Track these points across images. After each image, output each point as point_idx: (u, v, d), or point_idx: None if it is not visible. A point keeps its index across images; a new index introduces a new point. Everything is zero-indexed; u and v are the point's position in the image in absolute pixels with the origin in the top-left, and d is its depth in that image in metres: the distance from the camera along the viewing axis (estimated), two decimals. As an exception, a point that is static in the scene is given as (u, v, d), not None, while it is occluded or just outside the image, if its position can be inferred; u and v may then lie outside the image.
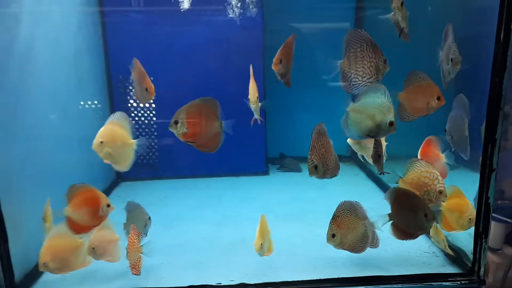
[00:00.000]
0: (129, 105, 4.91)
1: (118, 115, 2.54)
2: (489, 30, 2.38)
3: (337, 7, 5.26)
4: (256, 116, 2.91)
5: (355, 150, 2.86)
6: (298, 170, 5.33)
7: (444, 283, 2.65)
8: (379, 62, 2.27)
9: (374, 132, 2.23)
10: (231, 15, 4.49)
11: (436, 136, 2.71)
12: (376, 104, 2.19)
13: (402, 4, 2.23)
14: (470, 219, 2.57)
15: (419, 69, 2.55)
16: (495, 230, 2.89)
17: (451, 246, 2.90)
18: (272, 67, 2.54)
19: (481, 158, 2.46)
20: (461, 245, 2.89)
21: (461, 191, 2.63)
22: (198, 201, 4.39)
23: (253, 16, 4.70)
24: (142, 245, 2.57)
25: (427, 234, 3.01)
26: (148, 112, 4.94)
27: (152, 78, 4.80)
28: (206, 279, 2.70)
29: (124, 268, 2.62)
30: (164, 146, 5.03)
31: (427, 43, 2.91)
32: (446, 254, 2.95)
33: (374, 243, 2.71)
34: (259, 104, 2.84)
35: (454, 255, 2.88)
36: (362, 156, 2.85)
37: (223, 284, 2.67)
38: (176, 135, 2.31)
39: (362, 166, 5.29)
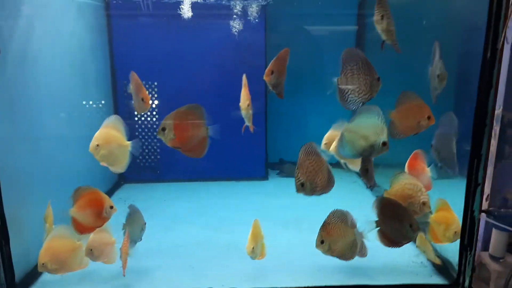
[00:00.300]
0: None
1: (113, 119, 2.64)
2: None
3: (339, 13, 5.33)
4: (247, 123, 2.98)
5: (338, 159, 2.90)
6: (297, 176, 5.38)
7: (430, 293, 2.71)
8: (373, 80, 2.34)
9: (368, 152, 2.32)
10: (234, 23, 4.60)
11: (422, 150, 2.77)
12: (370, 125, 2.28)
13: (382, 17, 2.29)
14: (455, 232, 2.63)
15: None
16: (498, 238, 2.87)
17: (439, 256, 2.95)
18: (264, 78, 2.62)
19: (466, 173, 2.52)
20: (449, 256, 2.95)
21: (448, 204, 2.68)
22: (197, 204, 4.49)
23: (256, 24, 4.80)
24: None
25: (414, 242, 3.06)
26: (151, 115, 5.06)
27: (155, 83, 5.03)
28: (198, 283, 2.80)
29: (119, 269, 2.73)
30: (166, 149, 5.14)
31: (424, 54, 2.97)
32: (434, 264, 3.00)
33: (362, 253, 2.77)
34: (250, 111, 2.91)
35: (442, 265, 2.94)
36: (345, 164, 2.89)
37: (214, 288, 2.76)
38: (163, 141, 2.40)
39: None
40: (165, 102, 5.06)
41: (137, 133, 5.07)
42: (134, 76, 2.62)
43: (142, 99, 2.62)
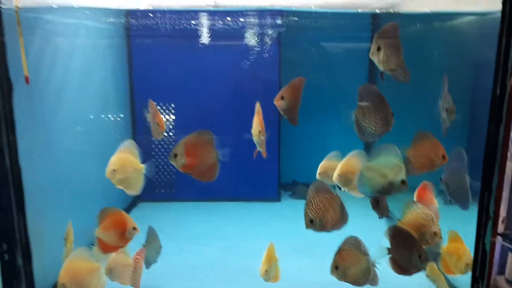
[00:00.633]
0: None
1: (128, 143, 2.74)
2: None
3: (353, 36, 5.41)
4: (259, 149, 3.03)
5: (339, 186, 2.89)
6: (310, 198, 5.41)
7: (440, 325, 2.70)
8: (388, 114, 2.41)
9: (387, 190, 2.36)
10: (250, 48, 4.75)
11: (430, 182, 2.82)
12: (389, 163, 2.34)
13: (378, 49, 2.36)
14: (467, 264, 2.64)
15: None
16: (513, 262, 2.86)
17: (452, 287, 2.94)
18: (274, 102, 2.69)
19: (477, 206, 2.54)
20: (461, 286, 2.94)
21: (459, 235, 2.71)
22: (210, 225, 4.57)
23: (271, 48, 4.92)
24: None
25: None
26: (168, 136, 5.20)
27: (172, 105, 5.17)
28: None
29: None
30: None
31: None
32: (445, 295, 2.99)
33: (374, 281, 2.79)
34: (263, 137, 2.96)
35: (454, 296, 2.93)
36: (339, 187, 2.91)
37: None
38: (176, 166, 2.49)
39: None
40: (181, 121, 5.20)
41: (153, 153, 5.21)
42: (151, 104, 2.77)
43: (158, 124, 2.76)
